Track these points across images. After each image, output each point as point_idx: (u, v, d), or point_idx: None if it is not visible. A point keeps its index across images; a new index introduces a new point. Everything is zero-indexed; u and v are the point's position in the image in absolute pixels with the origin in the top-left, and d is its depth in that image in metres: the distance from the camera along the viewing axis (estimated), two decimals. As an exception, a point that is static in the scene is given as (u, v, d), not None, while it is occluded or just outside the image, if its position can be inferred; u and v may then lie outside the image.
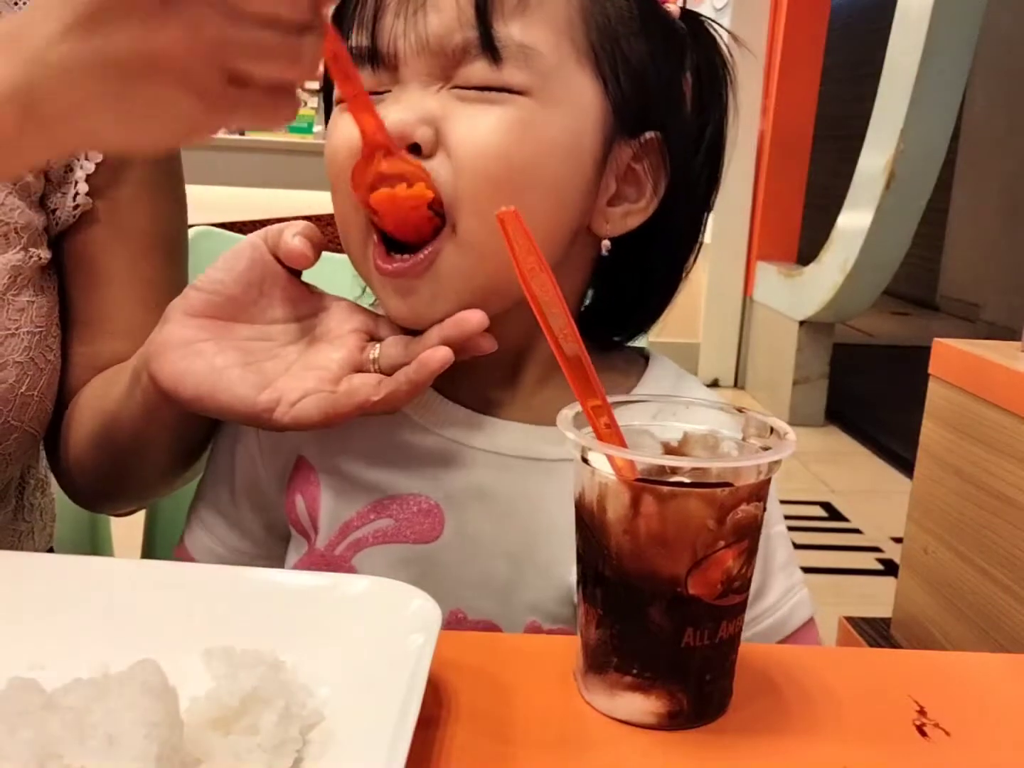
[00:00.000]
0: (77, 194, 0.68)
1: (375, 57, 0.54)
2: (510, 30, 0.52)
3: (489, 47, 0.52)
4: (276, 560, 0.64)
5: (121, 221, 0.70)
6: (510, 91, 0.53)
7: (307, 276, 0.60)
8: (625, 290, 0.63)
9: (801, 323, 3.61)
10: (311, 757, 0.38)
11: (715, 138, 0.61)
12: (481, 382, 0.60)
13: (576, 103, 0.55)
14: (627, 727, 0.43)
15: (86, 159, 0.68)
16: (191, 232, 0.81)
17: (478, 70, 0.53)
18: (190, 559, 0.64)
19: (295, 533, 0.62)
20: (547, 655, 0.48)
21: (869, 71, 3.43)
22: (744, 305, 4.15)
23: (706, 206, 0.62)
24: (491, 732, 0.42)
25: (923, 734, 0.44)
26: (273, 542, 0.64)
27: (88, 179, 0.68)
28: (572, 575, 0.55)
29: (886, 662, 0.52)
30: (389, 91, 0.54)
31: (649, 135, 0.57)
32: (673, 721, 0.43)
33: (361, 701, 0.40)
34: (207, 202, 0.77)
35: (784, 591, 0.61)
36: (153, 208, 0.72)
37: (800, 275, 3.66)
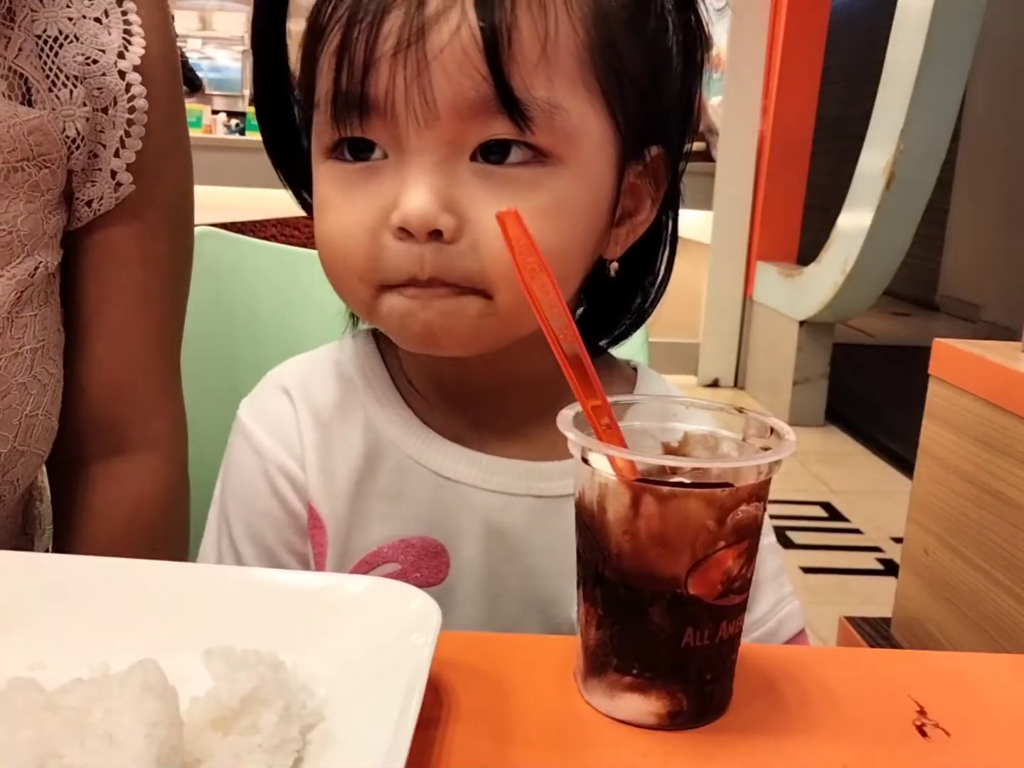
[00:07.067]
0: (120, 184, 0.66)
1: (364, 109, 0.48)
2: (530, 85, 0.46)
3: (509, 102, 0.46)
4: None
5: (152, 200, 0.69)
6: (539, 158, 0.48)
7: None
8: (615, 297, 0.60)
9: (801, 323, 3.62)
10: (311, 757, 0.38)
11: (689, 107, 0.56)
12: (480, 420, 0.59)
13: (597, 157, 0.50)
14: (627, 727, 0.43)
15: (123, 146, 0.66)
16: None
17: (499, 133, 0.47)
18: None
19: None
20: (547, 655, 0.48)
21: (869, 71, 3.43)
22: (744, 305, 4.15)
23: (678, 191, 0.58)
24: (491, 732, 0.42)
25: (923, 734, 0.44)
26: None
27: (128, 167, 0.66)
28: (572, 611, 0.55)
29: (886, 662, 0.52)
30: (378, 145, 0.49)
31: (655, 151, 0.54)
32: (673, 721, 0.43)
33: (361, 701, 0.40)
34: (207, 202, 0.77)
35: (773, 603, 0.60)
36: (174, 178, 0.71)
37: (800, 275, 3.67)
